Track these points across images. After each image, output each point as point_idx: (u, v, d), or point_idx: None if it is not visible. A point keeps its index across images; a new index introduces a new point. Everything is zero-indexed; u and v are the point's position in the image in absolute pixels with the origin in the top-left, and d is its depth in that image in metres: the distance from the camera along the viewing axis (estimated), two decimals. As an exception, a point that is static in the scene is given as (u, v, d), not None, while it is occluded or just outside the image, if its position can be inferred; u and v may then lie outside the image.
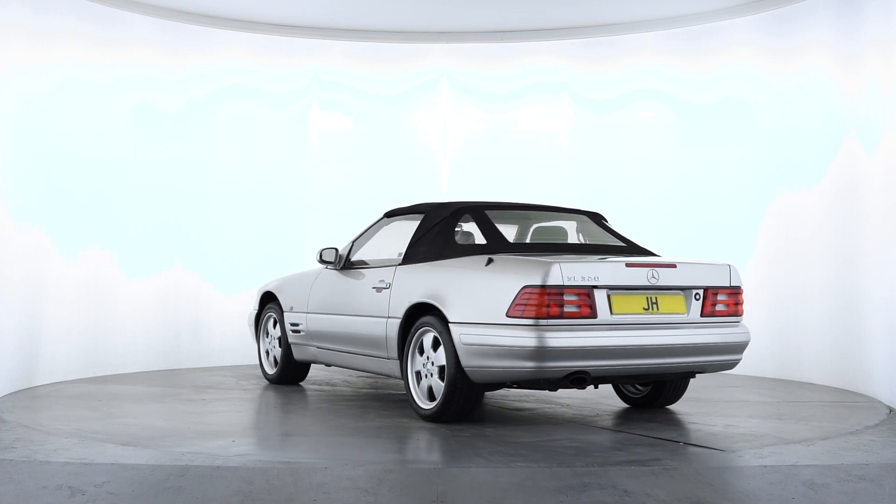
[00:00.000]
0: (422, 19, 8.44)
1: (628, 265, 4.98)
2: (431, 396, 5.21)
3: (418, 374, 5.33)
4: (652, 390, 5.74)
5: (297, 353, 6.73)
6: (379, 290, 5.76)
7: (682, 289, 5.11)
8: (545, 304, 4.69)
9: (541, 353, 4.67)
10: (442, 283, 5.26)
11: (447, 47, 8.91)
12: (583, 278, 4.79)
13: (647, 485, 3.69)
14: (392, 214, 6.25)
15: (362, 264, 6.19)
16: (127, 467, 3.89)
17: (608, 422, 5.33)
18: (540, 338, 4.67)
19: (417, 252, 5.61)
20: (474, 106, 9.00)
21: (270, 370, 7.05)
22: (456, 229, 5.68)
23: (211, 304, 8.34)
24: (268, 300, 7.14)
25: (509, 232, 6.26)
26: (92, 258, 7.38)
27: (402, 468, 4.04)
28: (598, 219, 6.12)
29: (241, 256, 8.49)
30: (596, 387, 5.41)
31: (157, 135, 7.97)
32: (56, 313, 6.94)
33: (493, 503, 3.51)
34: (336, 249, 6.35)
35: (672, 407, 5.80)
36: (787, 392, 6.68)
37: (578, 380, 4.85)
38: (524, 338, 4.69)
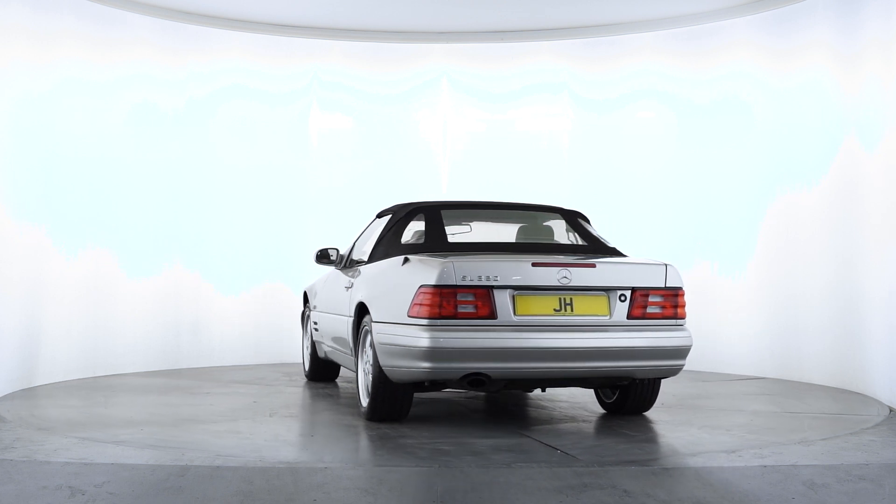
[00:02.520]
0: (422, 19, 8.44)
1: (535, 264, 4.74)
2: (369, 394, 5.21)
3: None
4: (619, 396, 5.41)
5: (319, 350, 6.84)
6: (346, 289, 5.84)
7: (605, 289, 4.82)
8: (438, 303, 4.60)
9: (434, 353, 4.56)
10: (375, 283, 5.29)
11: (447, 47, 8.91)
12: (479, 278, 4.64)
13: (647, 485, 3.69)
14: (382, 215, 6.29)
15: (361, 263, 6.22)
16: (127, 467, 3.89)
17: (539, 426, 5.10)
18: (432, 338, 4.56)
19: (377, 252, 5.64)
20: (474, 106, 9.00)
21: (306, 366, 7.23)
22: (418, 230, 5.66)
23: (211, 304, 8.34)
24: (307, 299, 7.30)
25: (510, 231, 6.20)
26: (92, 258, 7.38)
27: (402, 468, 4.03)
28: (572, 217, 5.87)
29: (241, 256, 8.49)
30: (543, 390, 5.24)
31: (157, 135, 7.97)
32: (56, 313, 6.94)
33: (492, 503, 3.50)
34: (337, 250, 6.42)
35: (650, 414, 5.45)
36: (786, 392, 6.67)
37: (476, 381, 4.71)
38: (418, 338, 4.60)
